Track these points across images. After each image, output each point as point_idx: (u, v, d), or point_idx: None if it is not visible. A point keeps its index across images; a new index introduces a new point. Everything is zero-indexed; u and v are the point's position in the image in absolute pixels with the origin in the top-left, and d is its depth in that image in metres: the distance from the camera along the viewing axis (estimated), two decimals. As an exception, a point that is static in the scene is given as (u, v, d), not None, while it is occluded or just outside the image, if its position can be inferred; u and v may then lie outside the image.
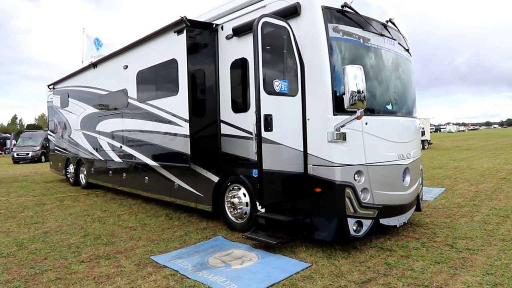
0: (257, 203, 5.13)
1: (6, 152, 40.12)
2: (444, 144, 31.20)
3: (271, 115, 4.29)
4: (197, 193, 6.36)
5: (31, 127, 63.76)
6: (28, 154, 26.24)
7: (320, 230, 4.53)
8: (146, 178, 7.67)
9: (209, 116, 5.90)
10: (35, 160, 26.22)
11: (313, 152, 4.55)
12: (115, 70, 8.11)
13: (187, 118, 5.73)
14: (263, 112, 4.22)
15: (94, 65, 9.06)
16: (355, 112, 4.14)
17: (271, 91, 4.35)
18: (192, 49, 5.75)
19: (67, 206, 8.27)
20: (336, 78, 4.41)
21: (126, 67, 7.60)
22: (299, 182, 4.60)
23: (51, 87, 12.22)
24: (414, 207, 5.54)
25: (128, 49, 7.49)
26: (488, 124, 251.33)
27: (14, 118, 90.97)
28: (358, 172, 4.48)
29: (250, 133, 5.22)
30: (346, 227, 4.37)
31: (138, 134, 7.38)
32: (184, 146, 5.90)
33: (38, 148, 26.87)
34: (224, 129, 5.78)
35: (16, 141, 30.63)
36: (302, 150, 4.61)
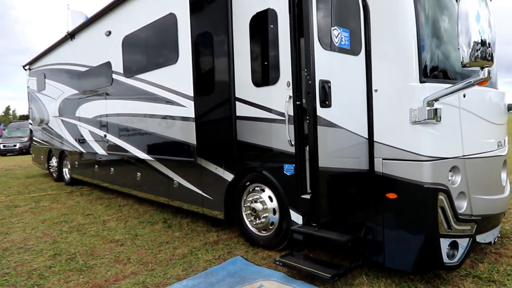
0: (312, 222, 3.56)
1: None
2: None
3: (329, 81, 2.75)
4: (204, 194, 4.85)
5: (24, 118, 61.83)
6: (15, 145, 24.87)
7: (393, 255, 3.05)
8: (138, 174, 6.14)
9: (220, 93, 4.34)
10: (23, 152, 24.73)
11: (384, 139, 3.04)
12: (96, 39, 6.47)
13: (192, 95, 4.18)
14: (318, 78, 2.67)
15: (71, 35, 7.36)
16: (454, 78, 2.61)
17: (328, 45, 2.79)
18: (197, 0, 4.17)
19: (42, 209, 6.75)
20: (423, 27, 2.86)
21: (109, 33, 5.97)
22: (361, 184, 3.10)
23: (26, 67, 10.51)
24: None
25: (112, 9, 5.85)
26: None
27: (8, 109, 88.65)
28: (454, 169, 2.99)
29: (280, 113, 3.70)
30: (438, 252, 2.89)
31: (126, 119, 5.80)
32: (187, 134, 4.37)
33: (26, 139, 25.21)
34: (241, 110, 4.24)
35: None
36: (367, 136, 3.10)
